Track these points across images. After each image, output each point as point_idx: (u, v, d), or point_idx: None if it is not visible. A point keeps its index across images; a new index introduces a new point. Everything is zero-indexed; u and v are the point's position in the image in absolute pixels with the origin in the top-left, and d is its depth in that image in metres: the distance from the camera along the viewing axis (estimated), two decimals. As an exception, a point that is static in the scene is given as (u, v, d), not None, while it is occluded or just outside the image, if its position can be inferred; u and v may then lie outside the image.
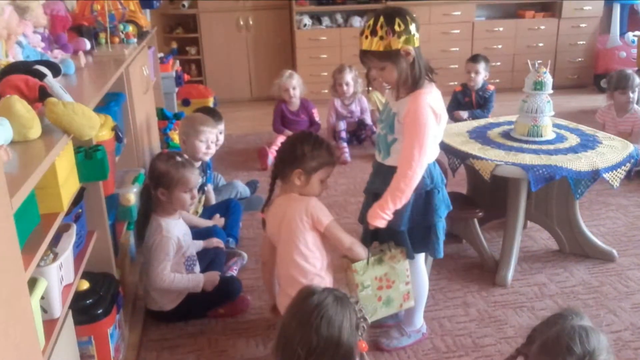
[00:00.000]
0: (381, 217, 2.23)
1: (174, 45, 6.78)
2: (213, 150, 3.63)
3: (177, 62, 5.80)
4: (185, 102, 5.52)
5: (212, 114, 3.91)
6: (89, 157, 2.04)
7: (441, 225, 2.37)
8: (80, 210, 2.07)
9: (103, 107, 2.62)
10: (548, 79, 3.01)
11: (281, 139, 3.97)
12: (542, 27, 6.98)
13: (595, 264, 3.17)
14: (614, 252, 3.22)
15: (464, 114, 5.03)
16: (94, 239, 2.19)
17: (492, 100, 5.12)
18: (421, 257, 2.48)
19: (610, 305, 2.81)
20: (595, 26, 7.06)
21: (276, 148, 3.41)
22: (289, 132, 4.80)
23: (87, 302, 2.10)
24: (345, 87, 5.13)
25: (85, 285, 2.11)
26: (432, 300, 2.84)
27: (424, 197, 2.30)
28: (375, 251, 2.36)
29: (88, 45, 3.17)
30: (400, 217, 2.27)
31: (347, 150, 4.97)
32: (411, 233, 2.34)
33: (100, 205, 2.24)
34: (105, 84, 2.51)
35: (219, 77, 6.94)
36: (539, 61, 3.11)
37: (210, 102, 5.51)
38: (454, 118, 4.88)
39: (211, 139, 3.56)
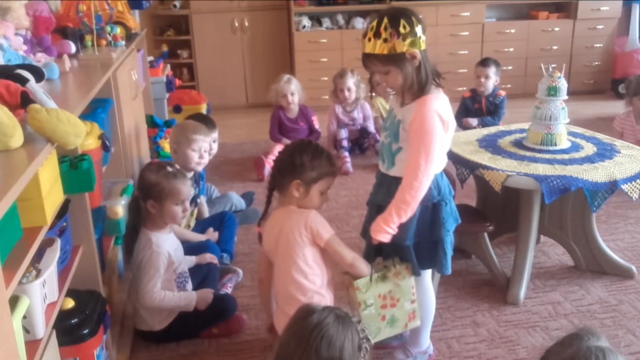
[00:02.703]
0: (385, 231, 2.23)
1: (165, 48, 6.79)
2: (206, 159, 3.64)
3: (168, 66, 5.82)
4: (177, 109, 5.54)
5: (205, 121, 3.92)
6: (74, 167, 2.05)
7: (449, 240, 2.37)
8: (64, 224, 2.07)
9: (89, 114, 2.63)
10: (563, 84, 3.02)
11: (279, 148, 3.98)
12: (557, 29, 7.02)
13: (613, 281, 3.18)
14: (632, 268, 3.23)
15: (473, 121, 5.04)
16: (79, 255, 2.19)
17: (503, 107, 5.13)
18: (428, 273, 2.48)
19: (629, 325, 2.81)
20: (613, 28, 7.09)
21: (273, 157, 3.42)
22: (287, 141, 4.81)
23: (72, 321, 2.10)
24: (346, 93, 5.15)
25: (70, 303, 2.11)
26: (440, 320, 2.84)
27: (431, 209, 2.30)
28: (378, 267, 2.37)
29: (73, 48, 3.19)
30: (405, 231, 2.27)
31: (348, 159, 4.98)
32: (417, 248, 2.34)
33: (86, 218, 2.24)
34: (91, 90, 2.52)
35: (212, 82, 6.96)
36: (553, 65, 3.13)
37: (203, 109, 5.53)
38: (462, 126, 4.89)
39: (204, 148, 3.58)
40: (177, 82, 5.86)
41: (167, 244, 2.74)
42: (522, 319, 2.88)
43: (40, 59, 2.81)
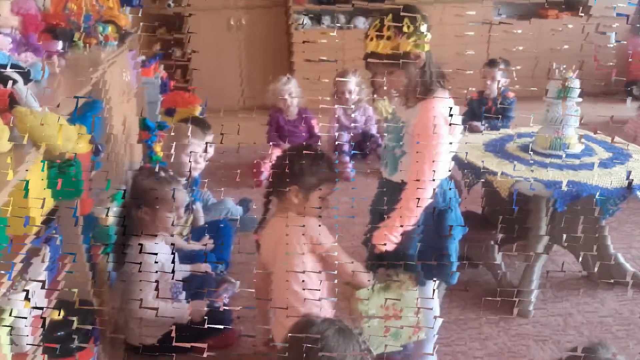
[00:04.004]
0: (388, 239, 2.23)
1: (158, 47, 6.80)
2: (201, 164, 3.64)
3: (161, 66, 5.82)
4: (170, 111, 5.53)
5: (200, 124, 3.92)
6: (63, 173, 2.05)
7: (454, 248, 2.37)
8: (53, 232, 2.07)
9: (78, 116, 2.63)
10: (574, 86, 3.02)
11: (277, 152, 3.98)
12: (570, 26, 7.00)
13: (626, 291, 3.17)
14: (647, 278, 3.23)
15: (480, 124, 5.04)
16: (68, 264, 2.19)
17: (511, 109, 5.13)
18: (433, 283, 2.48)
19: (644, 337, 2.82)
20: (627, 27, 7.09)
21: (271, 163, 3.43)
22: (286, 145, 4.81)
23: (61, 333, 2.10)
24: (348, 95, 5.15)
25: (58, 315, 2.11)
26: (445, 332, 2.83)
27: (436, 216, 2.30)
28: (381, 277, 2.36)
29: (59, 46, 3.18)
30: (409, 239, 2.27)
31: (350, 165, 4.98)
32: (421, 257, 2.34)
33: (75, 225, 2.24)
34: (80, 91, 2.52)
35: (207, 83, 6.94)
36: (563, 65, 3.13)
37: (198, 111, 5.52)
38: (469, 129, 4.90)
39: (199, 152, 3.57)
40: (171, 83, 5.85)
41: (160, 253, 2.74)
42: (532, 332, 2.88)
43: (27, 59, 2.81)
